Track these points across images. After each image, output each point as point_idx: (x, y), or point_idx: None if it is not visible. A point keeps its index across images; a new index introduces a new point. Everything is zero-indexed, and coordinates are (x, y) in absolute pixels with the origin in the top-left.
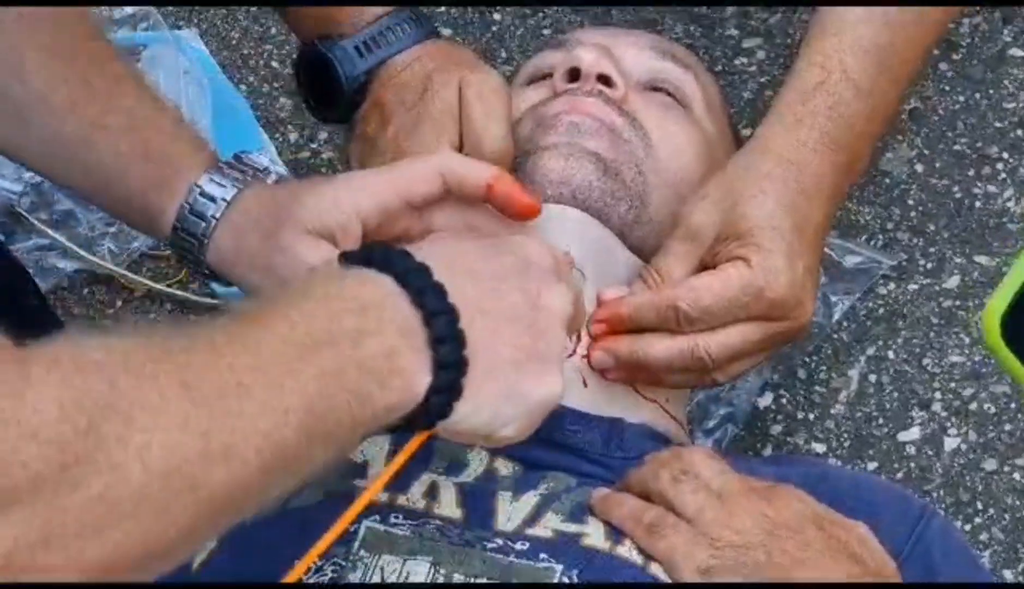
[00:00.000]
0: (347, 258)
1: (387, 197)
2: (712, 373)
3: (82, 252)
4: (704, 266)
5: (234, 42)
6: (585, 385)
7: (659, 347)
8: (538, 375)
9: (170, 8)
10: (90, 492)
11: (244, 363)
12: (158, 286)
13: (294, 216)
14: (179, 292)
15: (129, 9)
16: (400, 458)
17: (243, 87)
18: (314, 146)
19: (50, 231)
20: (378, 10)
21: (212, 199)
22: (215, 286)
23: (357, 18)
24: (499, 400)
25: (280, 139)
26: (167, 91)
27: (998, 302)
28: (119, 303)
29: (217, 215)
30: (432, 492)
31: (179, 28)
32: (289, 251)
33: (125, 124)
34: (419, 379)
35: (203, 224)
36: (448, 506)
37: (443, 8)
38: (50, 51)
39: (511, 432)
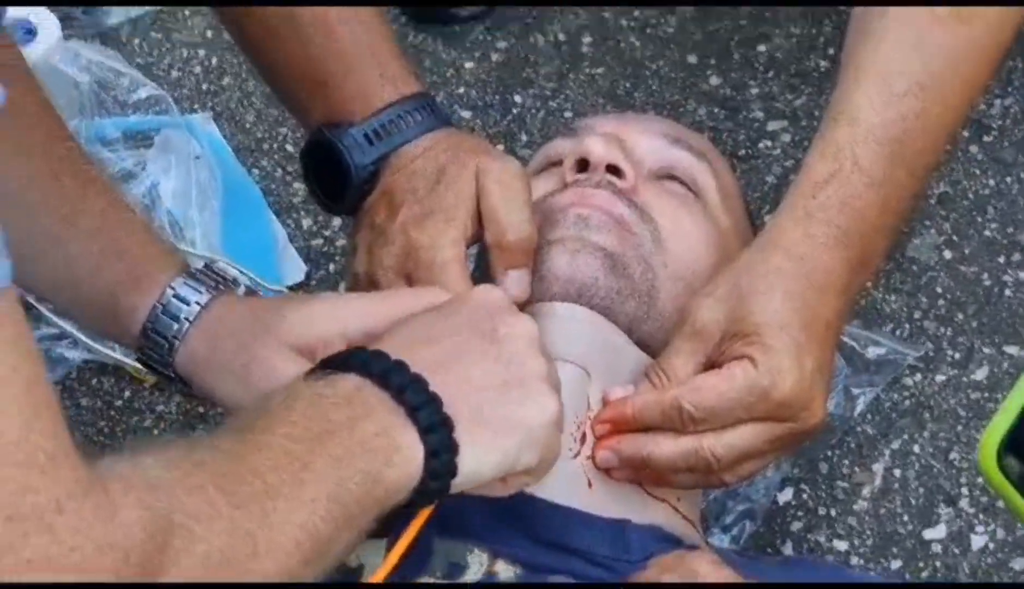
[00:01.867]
0: (322, 365)
1: (376, 321)
2: (719, 474)
3: (91, 342)
4: (711, 364)
5: (248, 126)
6: (590, 486)
7: (664, 447)
8: (522, 399)
9: (184, 92)
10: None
11: (264, 466)
12: None
13: (273, 329)
14: None
15: (143, 93)
16: (413, 528)
17: (256, 171)
18: (328, 233)
19: (59, 321)
20: (388, 97)
21: (186, 302)
22: None
23: (366, 105)
24: (498, 438)
25: (293, 225)
26: (178, 176)
27: (995, 429)
28: (127, 394)
29: (191, 318)
30: None
31: (193, 112)
32: (266, 363)
33: (97, 225)
34: (415, 451)
35: (175, 326)
36: None
37: (463, 90)
38: (22, 149)
39: (531, 462)
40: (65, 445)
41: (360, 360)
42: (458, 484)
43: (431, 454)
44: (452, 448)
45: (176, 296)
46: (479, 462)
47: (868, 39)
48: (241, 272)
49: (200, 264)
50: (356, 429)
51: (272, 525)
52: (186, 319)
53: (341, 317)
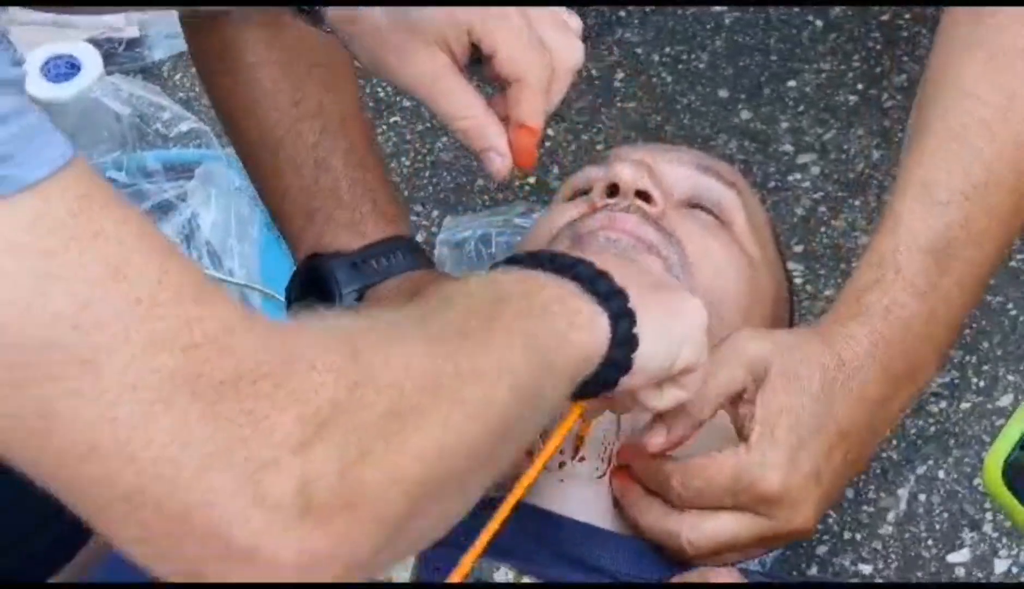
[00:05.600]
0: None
1: None
2: (694, 559)
3: None
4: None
5: None
6: (616, 506)
7: (648, 518)
8: (682, 298)
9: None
10: (378, 409)
11: (451, 318)
12: None
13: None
14: None
15: (184, 127)
16: (567, 423)
17: None
18: None
19: None
20: (375, 234)
21: None
22: None
23: (354, 238)
24: (666, 321)
25: None
26: (218, 207)
27: (1000, 448)
28: None
29: None
30: None
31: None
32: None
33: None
34: (596, 315)
35: None
36: None
37: None
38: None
39: (689, 359)
40: (206, 280)
41: (520, 258)
42: (636, 368)
43: (612, 319)
44: (631, 316)
45: None
46: (652, 343)
47: (914, 148)
48: (278, 299)
49: (238, 293)
50: (533, 297)
51: (472, 354)
52: None
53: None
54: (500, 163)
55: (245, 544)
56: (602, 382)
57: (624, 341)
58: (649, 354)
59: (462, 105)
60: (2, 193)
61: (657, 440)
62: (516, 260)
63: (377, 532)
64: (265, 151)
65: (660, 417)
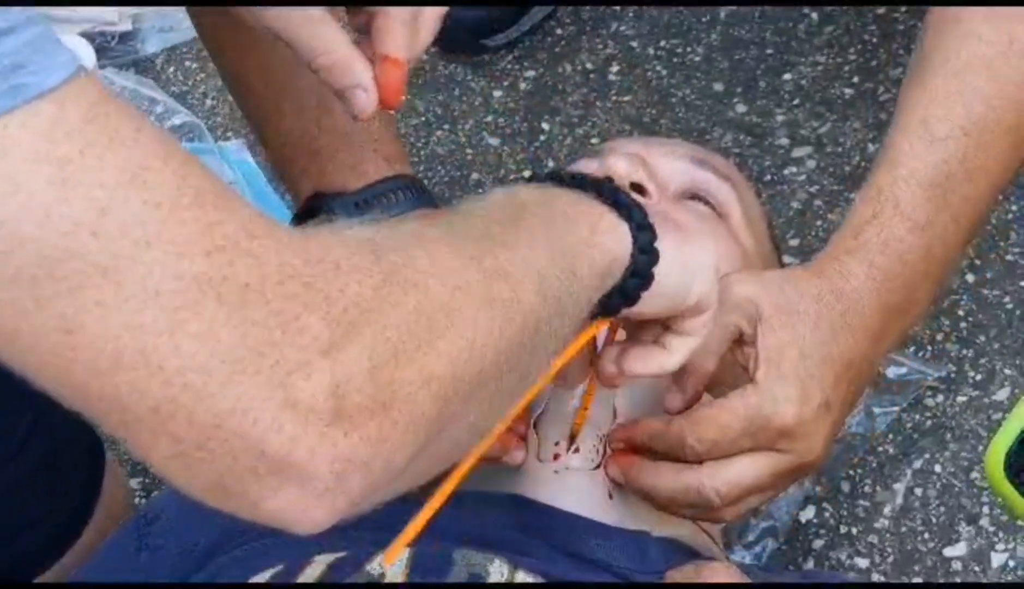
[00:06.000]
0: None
1: None
2: (720, 511)
3: None
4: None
5: None
6: (610, 498)
7: (666, 479)
8: (687, 234)
9: (217, 120)
10: (406, 308)
11: (475, 225)
12: None
13: None
14: None
15: (176, 120)
16: (582, 338)
17: (289, 198)
18: None
19: None
20: (378, 173)
21: None
22: None
23: (356, 179)
24: (684, 246)
25: None
26: None
27: (1002, 441)
28: None
29: None
30: None
31: (227, 139)
32: None
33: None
34: (617, 222)
35: None
36: None
37: (491, 118)
38: None
39: (701, 293)
40: (225, 186)
41: (538, 176)
42: (655, 288)
43: (633, 230)
44: (651, 228)
45: None
46: (669, 264)
47: (914, 85)
48: None
49: None
50: (554, 204)
51: (495, 255)
52: None
53: None
54: (365, 99)
55: (278, 451)
56: (623, 296)
57: (645, 250)
58: (666, 272)
59: (326, 40)
60: (18, 102)
61: (675, 403)
62: (534, 178)
63: (410, 436)
64: (268, 96)
65: (673, 380)
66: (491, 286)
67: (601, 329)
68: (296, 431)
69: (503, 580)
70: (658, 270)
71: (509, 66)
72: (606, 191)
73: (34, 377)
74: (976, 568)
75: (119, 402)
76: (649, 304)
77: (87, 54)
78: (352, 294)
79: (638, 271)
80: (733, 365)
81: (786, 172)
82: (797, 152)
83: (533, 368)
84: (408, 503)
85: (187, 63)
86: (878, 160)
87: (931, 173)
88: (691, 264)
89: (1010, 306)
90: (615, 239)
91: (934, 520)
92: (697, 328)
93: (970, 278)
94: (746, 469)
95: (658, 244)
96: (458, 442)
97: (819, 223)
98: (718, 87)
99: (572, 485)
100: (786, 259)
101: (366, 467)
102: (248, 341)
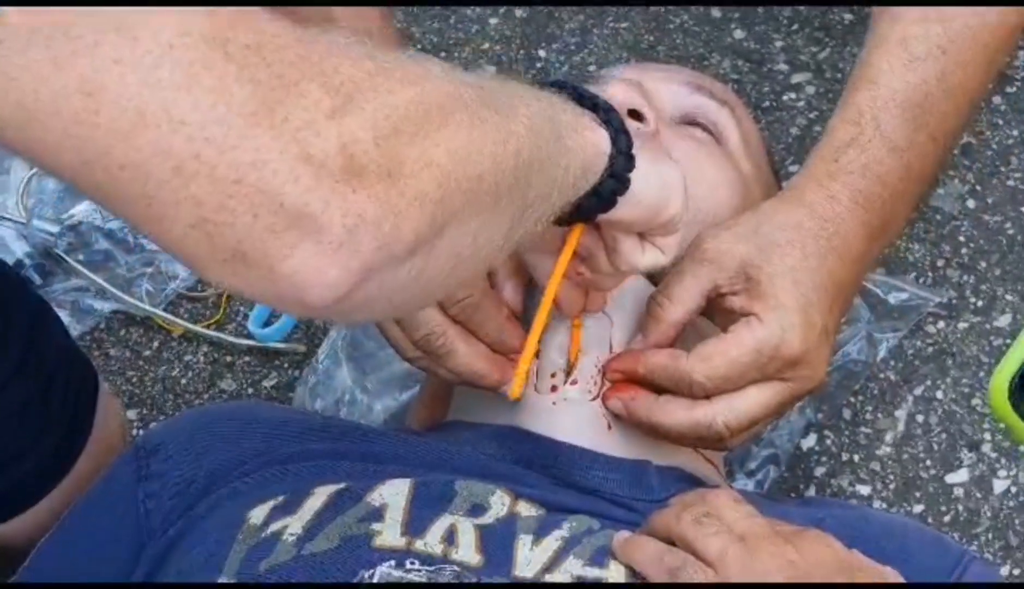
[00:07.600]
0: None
1: None
2: (728, 441)
3: (119, 293)
4: (716, 295)
5: None
6: (609, 428)
7: (676, 416)
8: (660, 154)
9: None
10: (403, 97)
11: (469, 81)
12: (195, 327)
13: None
14: (216, 333)
15: None
16: (568, 247)
17: None
18: None
19: (87, 272)
20: None
21: None
22: (253, 329)
23: None
24: (657, 164)
25: None
26: None
27: (1006, 368)
28: (156, 344)
29: None
30: (450, 536)
31: None
32: None
33: None
34: (601, 130)
35: None
36: (467, 550)
37: (487, 45)
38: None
39: (674, 211)
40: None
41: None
42: (630, 194)
43: (612, 131)
44: (628, 135)
45: None
46: (645, 173)
47: (889, 9)
48: None
49: None
50: (541, 99)
51: (488, 91)
52: None
53: None
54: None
55: (295, 203)
56: (600, 199)
57: (623, 152)
58: (643, 179)
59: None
60: None
61: (637, 347)
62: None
63: (416, 209)
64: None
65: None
66: (483, 110)
67: (581, 232)
68: (311, 183)
69: (504, 510)
70: (634, 176)
71: None
72: (584, 94)
73: (55, 157)
74: (978, 494)
75: (142, 168)
76: (624, 212)
77: None
78: (347, 73)
79: (616, 173)
80: (701, 326)
81: (785, 98)
82: (796, 78)
83: (528, 215)
84: (410, 434)
85: None
86: (855, 77)
87: (910, 93)
88: (668, 179)
89: (1011, 232)
90: (597, 137)
91: (935, 447)
92: (667, 247)
93: (971, 204)
94: (756, 399)
95: (635, 152)
96: (460, 255)
97: None
98: (715, 13)
99: (571, 416)
100: (785, 185)
101: (376, 227)
102: (258, 97)
